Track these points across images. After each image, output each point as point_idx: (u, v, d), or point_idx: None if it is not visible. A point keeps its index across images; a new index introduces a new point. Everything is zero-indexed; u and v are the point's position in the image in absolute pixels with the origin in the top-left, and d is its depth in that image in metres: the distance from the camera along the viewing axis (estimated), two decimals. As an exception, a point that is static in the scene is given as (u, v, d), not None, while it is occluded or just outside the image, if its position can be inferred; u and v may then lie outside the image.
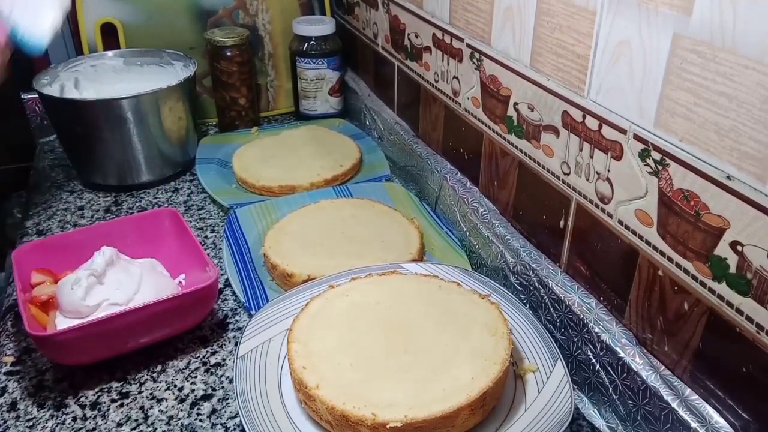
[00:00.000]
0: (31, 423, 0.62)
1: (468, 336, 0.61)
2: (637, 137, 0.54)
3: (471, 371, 0.57)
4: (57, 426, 0.61)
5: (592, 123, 0.59)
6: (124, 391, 0.65)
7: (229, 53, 1.10)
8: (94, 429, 0.61)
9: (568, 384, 0.59)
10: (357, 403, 0.55)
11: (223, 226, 0.91)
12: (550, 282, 0.66)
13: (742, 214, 0.45)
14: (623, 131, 0.55)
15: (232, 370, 0.67)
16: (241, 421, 0.62)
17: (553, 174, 0.67)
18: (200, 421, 0.62)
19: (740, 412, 0.49)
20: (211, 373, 0.67)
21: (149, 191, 1.02)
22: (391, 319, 0.64)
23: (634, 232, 0.57)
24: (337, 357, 0.60)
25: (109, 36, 1.13)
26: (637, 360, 0.56)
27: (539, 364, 0.62)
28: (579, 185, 0.63)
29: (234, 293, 0.78)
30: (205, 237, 0.90)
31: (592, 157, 0.60)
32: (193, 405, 0.64)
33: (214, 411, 0.63)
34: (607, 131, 0.57)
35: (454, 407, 0.54)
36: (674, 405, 0.52)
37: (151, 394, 0.65)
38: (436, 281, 0.69)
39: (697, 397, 0.52)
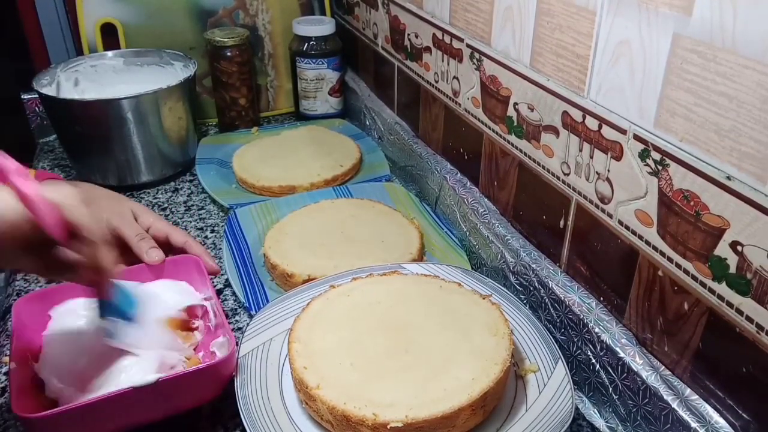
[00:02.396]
0: (31, 423, 0.62)
1: (469, 336, 0.61)
2: (637, 137, 0.54)
3: (472, 371, 0.57)
4: (57, 426, 0.61)
5: (592, 123, 0.59)
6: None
7: (229, 53, 1.10)
8: (94, 429, 0.61)
9: (569, 384, 0.59)
10: (358, 403, 0.55)
11: (223, 226, 0.91)
12: (550, 282, 0.66)
13: (742, 214, 0.45)
14: (623, 131, 0.55)
15: (233, 370, 0.67)
16: (241, 421, 0.62)
17: (553, 174, 0.67)
18: (200, 421, 0.62)
19: (740, 412, 0.49)
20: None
21: (149, 191, 1.02)
22: (392, 319, 0.64)
23: (634, 232, 0.57)
24: (338, 357, 0.60)
25: (109, 36, 1.13)
26: (637, 360, 0.56)
27: (540, 364, 0.62)
28: (579, 185, 0.63)
29: (234, 293, 0.78)
30: (205, 237, 0.90)
31: (592, 157, 0.60)
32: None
33: (214, 411, 0.63)
34: (607, 131, 0.57)
35: (455, 407, 0.54)
36: (674, 405, 0.52)
37: (151, 394, 0.65)
38: (437, 281, 0.69)
39: (697, 397, 0.52)
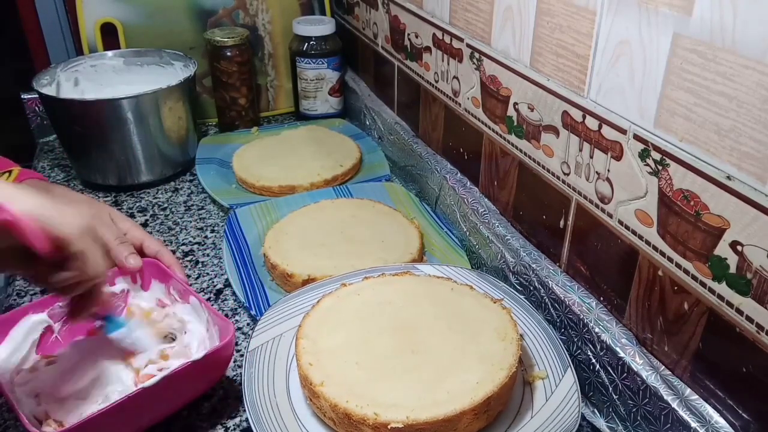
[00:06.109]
0: (31, 423, 0.62)
1: (477, 340, 0.61)
2: (637, 137, 0.54)
3: (477, 375, 0.57)
4: (57, 426, 0.61)
5: (592, 123, 0.59)
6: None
7: (229, 53, 1.10)
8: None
9: (577, 392, 0.59)
10: (360, 402, 0.55)
11: (223, 226, 0.91)
12: (550, 282, 0.66)
13: (742, 214, 0.45)
14: (623, 131, 0.55)
15: (233, 369, 0.67)
16: (241, 419, 0.62)
17: (553, 174, 0.67)
18: (200, 421, 0.62)
19: (740, 412, 0.49)
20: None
21: (149, 191, 1.02)
22: (401, 319, 0.64)
23: (634, 232, 0.57)
24: (344, 355, 0.60)
25: (109, 36, 1.13)
26: (637, 360, 0.56)
27: (549, 371, 0.62)
28: (579, 185, 0.63)
29: (234, 293, 0.78)
30: (205, 237, 0.90)
31: (592, 157, 0.60)
32: (193, 405, 0.63)
33: (214, 411, 0.63)
34: (607, 131, 0.57)
35: (457, 410, 0.54)
36: (674, 405, 0.52)
37: (151, 394, 0.65)
38: (449, 283, 0.69)
39: (697, 397, 0.52)
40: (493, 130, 0.76)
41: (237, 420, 0.62)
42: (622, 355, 0.57)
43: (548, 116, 0.65)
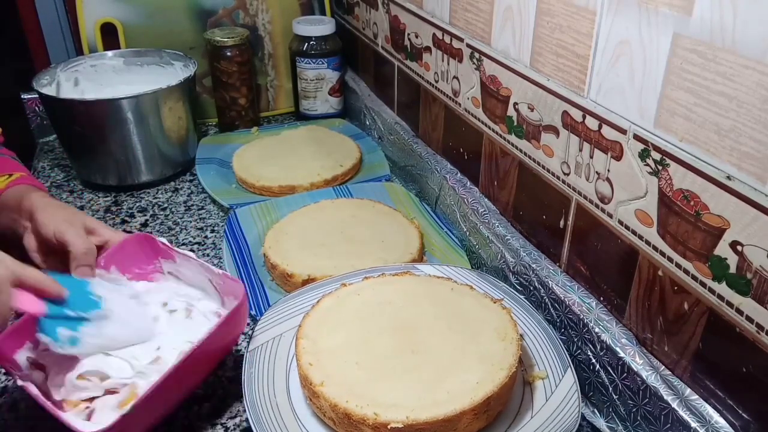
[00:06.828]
0: (32, 423, 0.62)
1: (477, 340, 0.61)
2: (637, 137, 0.54)
3: (477, 375, 0.57)
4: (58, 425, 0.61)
5: (592, 123, 0.59)
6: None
7: (229, 53, 1.10)
8: (94, 429, 0.61)
9: (577, 393, 0.59)
10: (360, 402, 0.55)
11: (223, 226, 0.91)
12: (550, 282, 0.66)
13: (742, 214, 0.45)
14: (623, 131, 0.55)
15: (233, 369, 0.67)
16: (241, 419, 0.62)
17: (553, 174, 0.67)
18: (200, 421, 0.62)
19: (740, 412, 0.49)
20: (212, 374, 0.67)
21: (149, 191, 1.02)
22: (401, 319, 0.64)
23: (634, 232, 0.57)
24: (344, 355, 0.60)
25: (109, 36, 1.13)
26: (637, 360, 0.56)
27: (549, 371, 0.62)
28: (579, 185, 0.63)
29: (234, 293, 0.78)
30: (205, 237, 0.90)
31: (592, 157, 0.60)
32: (193, 405, 0.63)
33: (214, 411, 0.63)
34: (607, 131, 0.57)
35: (457, 411, 0.54)
36: (674, 405, 0.52)
37: (151, 394, 0.65)
38: (449, 283, 0.69)
39: (697, 397, 0.52)
40: (493, 130, 0.76)
41: (237, 420, 0.62)
42: (622, 355, 0.57)
43: (548, 116, 0.65)
